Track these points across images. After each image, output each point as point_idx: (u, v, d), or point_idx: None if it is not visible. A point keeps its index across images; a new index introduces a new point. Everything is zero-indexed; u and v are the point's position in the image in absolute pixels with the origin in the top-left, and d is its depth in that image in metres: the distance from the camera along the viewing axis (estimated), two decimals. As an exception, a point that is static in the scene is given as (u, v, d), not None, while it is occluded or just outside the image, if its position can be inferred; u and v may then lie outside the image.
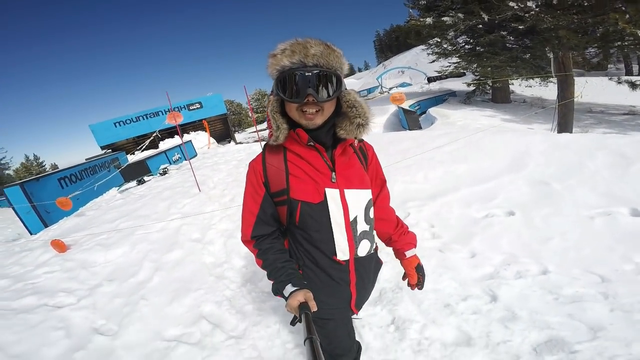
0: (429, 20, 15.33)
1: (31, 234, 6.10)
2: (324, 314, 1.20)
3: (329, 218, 1.12)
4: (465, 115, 11.52)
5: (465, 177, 3.73)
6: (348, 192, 1.13)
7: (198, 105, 17.39)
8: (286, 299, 1.04)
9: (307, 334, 0.81)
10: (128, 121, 16.56)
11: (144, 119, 16.69)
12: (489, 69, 14.88)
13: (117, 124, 16.44)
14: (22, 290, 3.23)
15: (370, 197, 1.22)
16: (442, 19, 14.78)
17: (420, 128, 11.37)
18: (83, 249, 3.99)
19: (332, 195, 1.11)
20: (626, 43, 11.40)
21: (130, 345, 2.30)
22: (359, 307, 1.33)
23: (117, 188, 7.96)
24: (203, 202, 5.19)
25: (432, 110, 12.94)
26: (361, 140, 1.24)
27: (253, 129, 22.06)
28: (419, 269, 1.39)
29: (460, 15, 14.40)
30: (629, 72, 24.50)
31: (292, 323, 1.10)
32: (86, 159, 10.03)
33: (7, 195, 6.09)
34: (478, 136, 4.79)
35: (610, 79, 14.71)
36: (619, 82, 11.98)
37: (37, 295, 3.06)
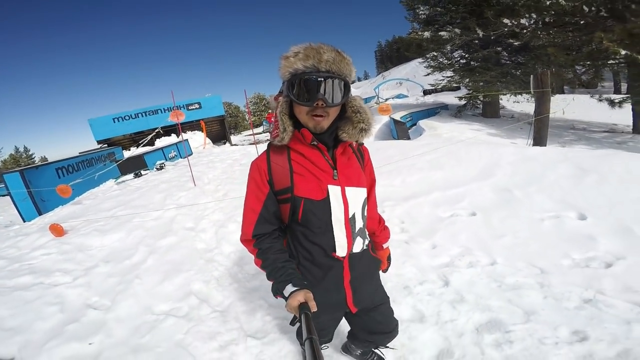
0: (427, 34, 15.83)
1: (24, 221, 6.23)
2: (318, 309, 1.23)
3: (330, 214, 1.16)
4: (453, 128, 11.96)
5: (439, 183, 4.07)
6: (348, 190, 1.18)
7: (197, 106, 17.66)
8: (286, 299, 1.05)
9: (307, 334, 0.82)
10: (127, 117, 16.78)
11: (142, 116, 16.91)
12: (481, 83, 15.36)
13: (115, 120, 16.64)
14: (19, 270, 3.37)
15: (366, 195, 1.27)
16: (440, 33, 15.29)
17: (408, 138, 11.79)
18: (80, 234, 4.20)
19: (334, 192, 1.16)
20: (611, 62, 11.90)
21: (122, 318, 2.48)
22: (358, 304, 1.34)
23: (114, 180, 8.20)
24: (197, 196, 5.46)
25: (422, 122, 13.38)
26: (361, 143, 1.30)
27: (249, 131, 22.28)
28: (389, 258, 1.57)
29: (457, 30, 14.91)
30: (617, 91, 24.58)
31: (292, 323, 1.11)
32: (79, 153, 10.15)
33: (6, 181, 6.29)
34: (457, 147, 5.15)
35: (591, 96, 15.22)
36: (600, 100, 12.48)
37: (34, 274, 3.20)
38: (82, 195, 7.02)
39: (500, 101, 17.85)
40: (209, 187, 6.04)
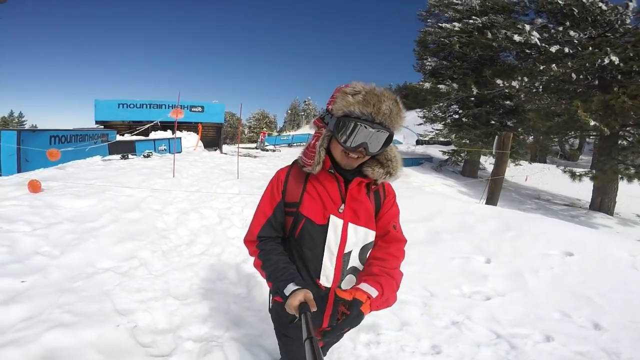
0: (427, 84, 16.39)
1: (0, 175, 6.37)
2: (291, 333, 1.23)
3: (324, 242, 1.17)
4: (426, 179, 12.38)
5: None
6: (351, 227, 1.17)
7: (200, 109, 18.18)
8: (286, 298, 1.04)
9: (307, 334, 0.83)
10: (132, 105, 17.21)
11: (147, 107, 17.36)
12: (465, 140, 15.84)
13: (120, 105, 17.10)
14: (-19, 213, 3.49)
15: (373, 239, 1.23)
16: (439, 86, 15.91)
17: (384, 183, 12.21)
18: (55, 194, 4.51)
19: (335, 223, 1.16)
20: (592, 133, 11.84)
21: (64, 266, 2.70)
22: (324, 339, 1.21)
23: (101, 157, 8.59)
24: (173, 185, 5.89)
25: (399, 170, 13.96)
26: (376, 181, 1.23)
27: (243, 144, 22.84)
28: (353, 307, 1.02)
29: (455, 85, 15.57)
30: (593, 166, 24.76)
31: (291, 322, 1.10)
32: (73, 128, 10.51)
33: (2, 136, 6.63)
34: (413, 192, 5.70)
35: (557, 167, 15.56)
36: (564, 172, 12.86)
37: (-5, 220, 3.33)
38: (67, 163, 7.36)
39: (481, 162, 18.32)
40: (186, 181, 6.46)
